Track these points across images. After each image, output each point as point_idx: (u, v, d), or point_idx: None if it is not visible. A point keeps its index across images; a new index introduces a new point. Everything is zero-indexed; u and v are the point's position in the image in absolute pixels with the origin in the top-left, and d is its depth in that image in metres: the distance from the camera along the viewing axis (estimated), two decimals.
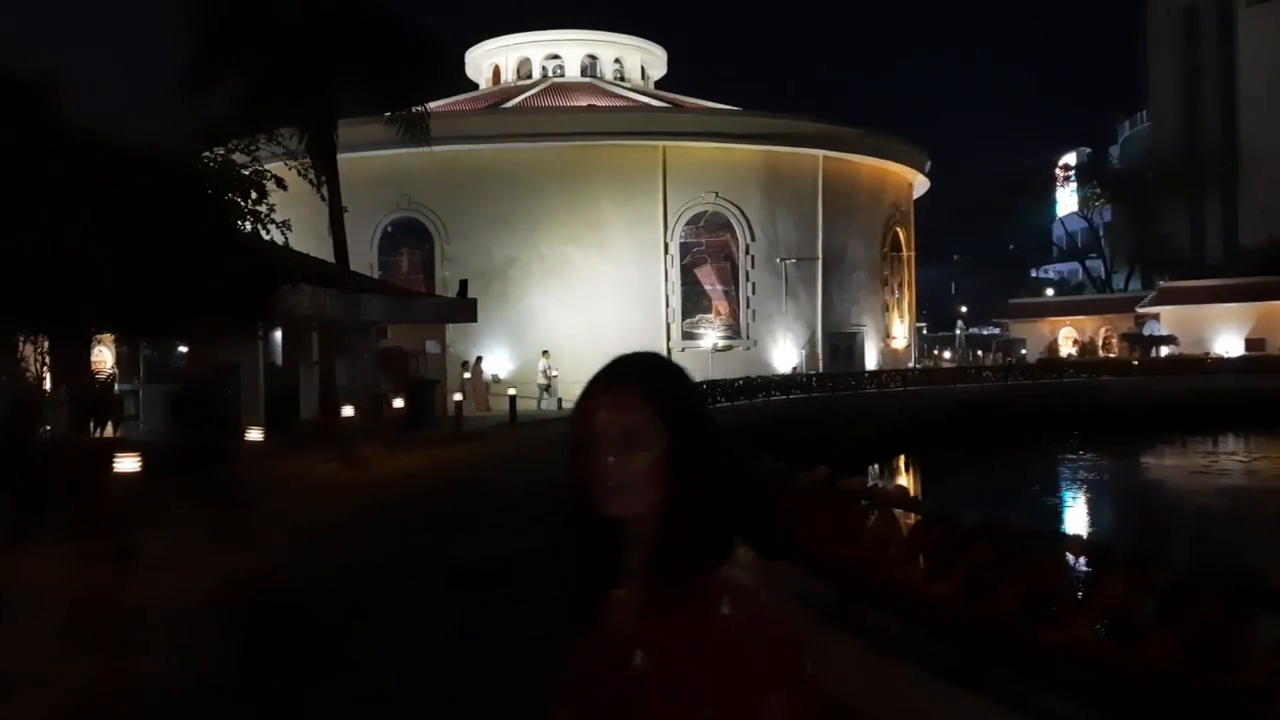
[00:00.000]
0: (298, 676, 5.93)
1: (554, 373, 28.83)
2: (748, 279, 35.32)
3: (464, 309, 27.43)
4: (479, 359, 29.64)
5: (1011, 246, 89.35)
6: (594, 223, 32.77)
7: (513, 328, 31.39)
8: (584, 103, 37.88)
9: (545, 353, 29.54)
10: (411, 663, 6.11)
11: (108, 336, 17.77)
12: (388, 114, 22.50)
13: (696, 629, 1.30)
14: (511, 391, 25.07)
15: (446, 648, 6.41)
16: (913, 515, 5.31)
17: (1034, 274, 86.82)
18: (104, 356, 21.06)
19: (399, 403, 20.55)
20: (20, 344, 13.66)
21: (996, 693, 4.08)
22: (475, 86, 45.30)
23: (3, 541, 8.55)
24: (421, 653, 6.29)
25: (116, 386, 19.59)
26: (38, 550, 8.90)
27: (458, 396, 21.83)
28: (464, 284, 28.27)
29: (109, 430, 17.24)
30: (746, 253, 35.21)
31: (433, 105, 24.68)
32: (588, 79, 43.34)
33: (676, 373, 1.46)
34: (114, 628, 6.96)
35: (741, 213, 34.92)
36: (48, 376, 15.09)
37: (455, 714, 5.38)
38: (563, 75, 43.43)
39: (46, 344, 14.61)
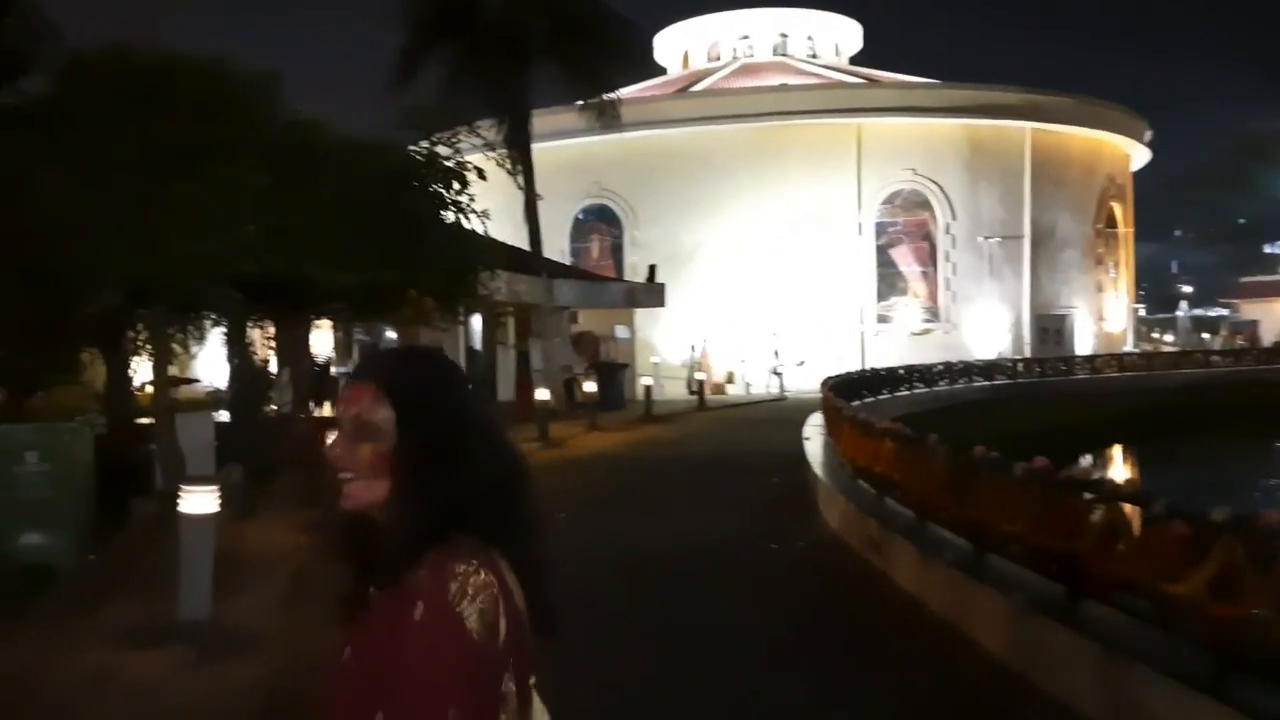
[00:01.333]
0: None
1: (782, 362, 29.09)
2: (948, 259, 33.86)
3: (653, 293, 27.66)
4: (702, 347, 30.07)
5: (1242, 220, 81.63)
6: (785, 204, 32.25)
7: (702, 312, 31.37)
8: (775, 82, 37.32)
9: (774, 334, 29.73)
10: (602, 642, 6.13)
11: (325, 321, 18.97)
12: (581, 102, 22.92)
13: (387, 631, 1.27)
14: (700, 376, 25.11)
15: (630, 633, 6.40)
16: (1126, 507, 4.88)
17: (1268, 249, 79.01)
18: (322, 341, 22.50)
19: (590, 386, 20.95)
20: (249, 329, 14.76)
21: (1244, 703, 3.68)
22: (664, 71, 45.49)
23: (235, 509, 9.20)
24: (611, 633, 6.30)
25: (332, 369, 20.97)
26: (266, 518, 9.57)
27: (647, 380, 22.02)
28: (653, 269, 28.51)
29: (326, 409, 18.45)
30: (946, 231, 33.75)
31: (623, 92, 24.94)
32: (779, 58, 42.63)
33: (427, 369, 1.42)
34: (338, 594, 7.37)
35: (941, 190, 33.48)
36: (272, 359, 16.28)
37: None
38: (753, 55, 42.92)
39: (272, 329, 15.76)
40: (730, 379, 29.53)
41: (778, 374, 28.94)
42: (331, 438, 1.39)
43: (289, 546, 8.52)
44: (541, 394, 17.53)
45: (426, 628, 1.25)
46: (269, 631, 6.25)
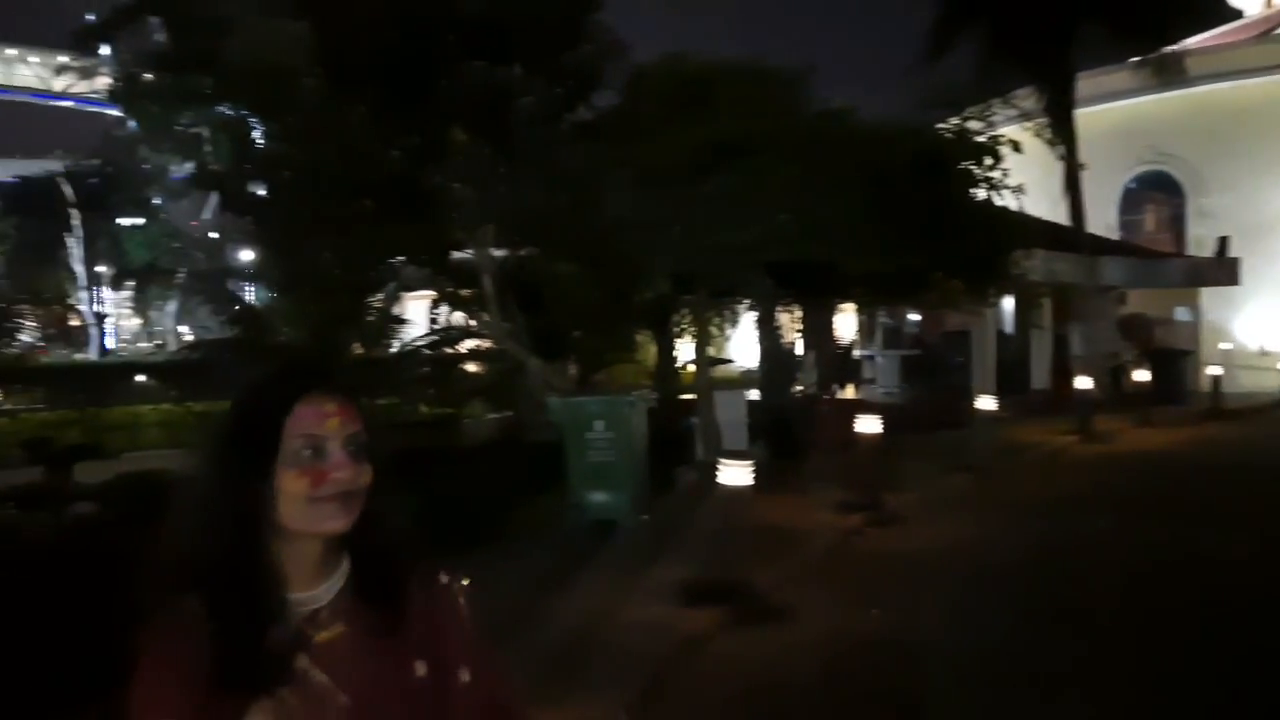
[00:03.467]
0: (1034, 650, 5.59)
1: None
2: None
3: (1223, 270, 23.94)
4: None
5: None
6: None
7: None
8: None
9: None
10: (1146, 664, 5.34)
11: (849, 305, 19.26)
12: (1134, 60, 20.55)
13: (446, 618, 1.39)
14: None
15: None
16: None
17: None
18: (845, 324, 22.92)
19: (1142, 374, 18.68)
20: (778, 312, 15.47)
21: None
22: (1238, 15, 39.03)
23: (766, 484, 9.65)
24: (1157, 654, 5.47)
25: (855, 352, 21.26)
26: (795, 494, 9.92)
27: (1215, 369, 19.05)
28: (1223, 241, 24.67)
29: (850, 391, 18.75)
30: None
31: (1188, 42, 21.80)
32: None
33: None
34: (864, 574, 7.39)
35: None
36: (799, 342, 16.93)
37: None
38: None
39: (798, 312, 16.38)
40: None
41: None
42: (334, 459, 1.28)
43: (817, 524, 8.73)
44: (1082, 383, 16.05)
45: (466, 608, 1.43)
46: (800, 602, 6.44)
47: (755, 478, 6.89)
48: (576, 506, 8.80)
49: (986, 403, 12.85)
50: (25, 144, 41.77)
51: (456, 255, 12.04)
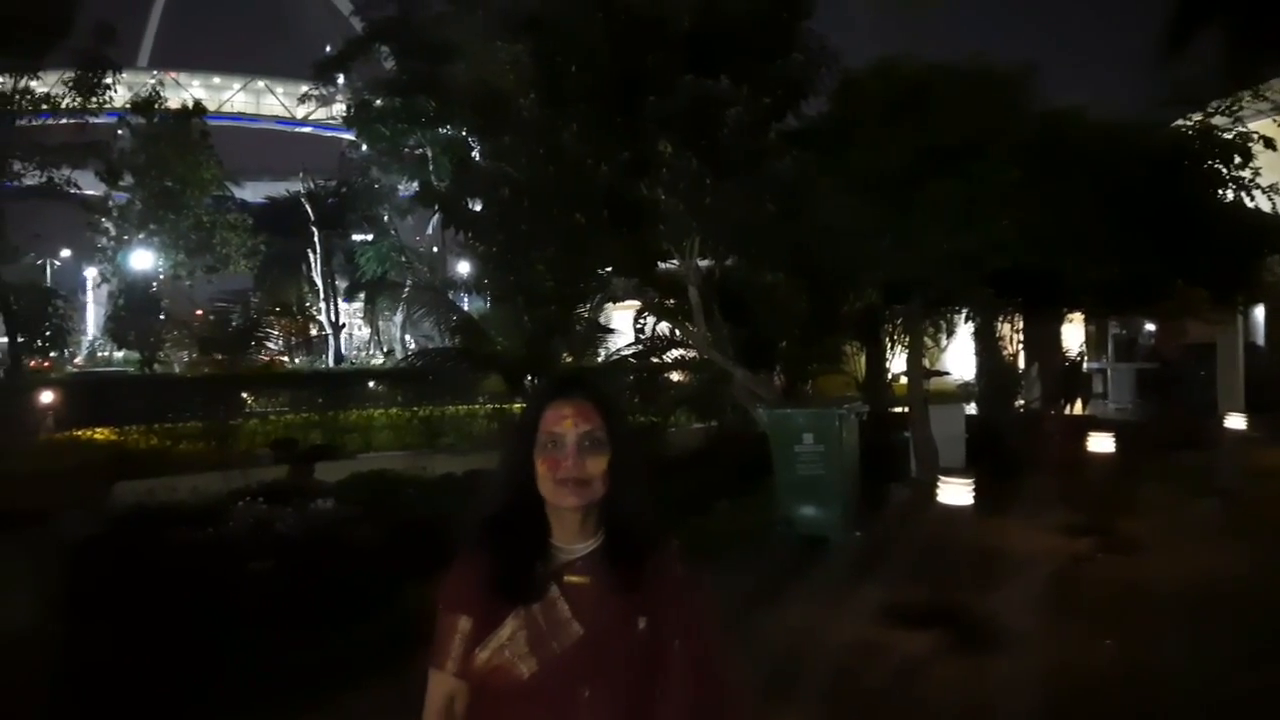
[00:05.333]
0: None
1: None
2: None
3: None
4: None
5: None
6: None
7: None
8: None
9: None
10: None
11: (1076, 315, 18.11)
12: None
13: (671, 590, 1.69)
14: None
15: None
16: None
17: None
18: (1072, 335, 21.57)
19: None
20: (998, 323, 14.71)
21: None
22: None
23: (987, 504, 9.16)
24: None
25: (1084, 365, 19.92)
26: (1016, 515, 9.36)
27: None
28: None
29: (1077, 407, 17.60)
30: None
31: None
32: None
33: (617, 396, 1.53)
34: (1095, 603, 6.88)
35: None
36: (1021, 354, 16.03)
37: None
38: None
39: (1020, 323, 15.52)
40: None
41: None
42: (568, 454, 1.64)
43: (1043, 548, 8.21)
44: None
45: (695, 580, 1.74)
46: (1024, 630, 6.06)
47: (975, 497, 6.55)
48: (785, 520, 8.66)
49: (1235, 421, 11.74)
50: (272, 168, 45.65)
51: (663, 266, 12.17)
